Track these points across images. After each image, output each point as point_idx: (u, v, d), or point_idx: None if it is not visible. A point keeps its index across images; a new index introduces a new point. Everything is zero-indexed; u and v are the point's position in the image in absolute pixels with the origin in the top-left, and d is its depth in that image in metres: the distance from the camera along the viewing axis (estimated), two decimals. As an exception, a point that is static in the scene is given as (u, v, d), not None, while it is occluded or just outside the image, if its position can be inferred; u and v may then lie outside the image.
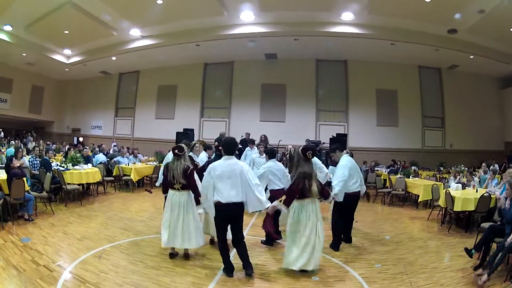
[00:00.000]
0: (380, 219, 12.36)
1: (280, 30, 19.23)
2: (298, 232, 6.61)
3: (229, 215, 6.46)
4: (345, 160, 8.35)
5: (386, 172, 18.05)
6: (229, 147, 6.66)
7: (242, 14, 18.71)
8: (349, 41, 19.82)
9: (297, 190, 6.59)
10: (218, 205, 6.41)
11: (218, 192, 6.39)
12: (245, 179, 6.38)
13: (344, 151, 8.93)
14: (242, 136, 18.68)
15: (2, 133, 25.92)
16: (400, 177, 15.17)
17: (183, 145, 7.39)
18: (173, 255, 7.40)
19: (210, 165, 6.65)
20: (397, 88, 23.15)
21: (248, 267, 6.50)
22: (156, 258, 7.43)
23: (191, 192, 7.18)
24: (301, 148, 6.87)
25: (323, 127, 22.83)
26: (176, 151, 7.16)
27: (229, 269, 6.57)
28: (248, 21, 19.19)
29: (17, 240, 8.16)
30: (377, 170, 19.19)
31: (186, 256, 7.37)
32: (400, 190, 14.63)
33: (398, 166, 18.83)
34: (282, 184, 8.44)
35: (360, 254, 7.93)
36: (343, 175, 7.95)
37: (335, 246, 8.08)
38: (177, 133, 19.25)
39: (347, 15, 17.84)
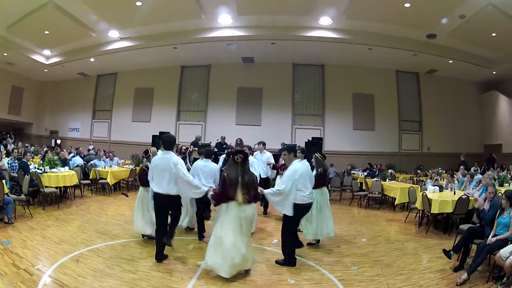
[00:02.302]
0: (357, 221, 12.44)
1: (257, 34, 19.26)
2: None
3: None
4: (295, 165, 7.53)
5: (363, 175, 18.24)
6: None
7: (220, 18, 18.72)
8: (327, 46, 19.91)
9: (222, 193, 6.78)
10: None
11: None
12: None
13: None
14: (217, 140, 18.80)
15: None
16: (376, 180, 15.32)
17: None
18: None
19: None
20: (374, 92, 23.36)
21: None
22: (133, 262, 7.43)
23: None
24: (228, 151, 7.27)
25: (299, 130, 22.92)
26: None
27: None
28: (225, 24, 19.22)
29: None
30: (354, 174, 19.32)
31: None
32: (377, 193, 14.77)
33: (375, 170, 18.97)
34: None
35: (336, 257, 7.98)
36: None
37: (290, 263, 7.42)
38: (153, 136, 19.33)
39: (325, 20, 17.91)
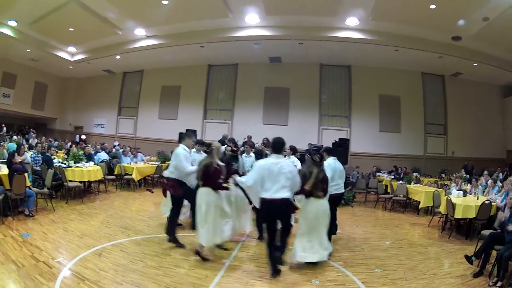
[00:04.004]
0: (381, 224, 12.33)
1: (284, 33, 19.14)
2: None
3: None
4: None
5: (388, 178, 18.00)
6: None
7: (247, 17, 18.66)
8: (353, 47, 19.72)
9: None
10: None
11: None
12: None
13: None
14: (244, 139, 18.61)
15: (5, 129, 25.88)
16: (401, 183, 15.11)
17: None
18: None
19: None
20: (400, 95, 23.04)
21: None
22: (156, 258, 7.42)
23: None
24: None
25: (326, 131, 22.69)
26: None
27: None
28: (253, 24, 19.15)
29: (17, 235, 8.17)
30: (379, 176, 19.11)
31: None
32: (402, 196, 14.59)
33: (400, 172, 18.77)
34: None
35: (360, 259, 7.90)
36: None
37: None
38: (180, 134, 19.05)
39: (352, 21, 17.77)
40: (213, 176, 7.16)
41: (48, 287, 5.68)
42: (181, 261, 7.31)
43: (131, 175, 15.93)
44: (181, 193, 8.17)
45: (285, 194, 6.62)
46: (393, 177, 18.05)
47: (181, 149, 8.22)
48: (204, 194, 7.13)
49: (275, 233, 6.78)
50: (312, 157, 7.52)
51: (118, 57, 25.26)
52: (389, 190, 15.87)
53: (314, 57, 22.38)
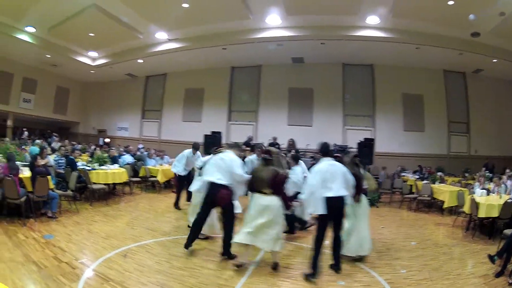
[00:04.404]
0: (406, 225, 12.32)
1: (306, 34, 19.08)
2: None
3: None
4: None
5: (413, 178, 17.83)
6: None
7: (268, 18, 18.66)
8: (375, 45, 19.61)
9: None
10: None
11: None
12: None
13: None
14: (269, 140, 18.81)
15: (26, 133, 26.13)
16: (426, 183, 15.05)
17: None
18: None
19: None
20: (423, 93, 22.74)
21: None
22: (182, 259, 7.45)
23: None
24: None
25: (350, 131, 22.52)
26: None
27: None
28: (274, 25, 19.15)
29: (39, 236, 8.20)
30: (404, 176, 18.96)
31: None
32: (426, 196, 14.49)
33: (425, 172, 18.59)
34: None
35: (386, 260, 7.89)
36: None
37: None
38: (205, 136, 19.28)
39: (373, 19, 17.66)
40: (283, 185, 7.04)
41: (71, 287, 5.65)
42: (207, 262, 7.31)
43: (156, 177, 16.07)
44: (232, 200, 7.70)
45: (345, 192, 6.85)
46: (418, 176, 17.88)
47: (234, 154, 7.81)
48: (275, 203, 6.87)
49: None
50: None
51: (140, 61, 25.40)
52: (413, 190, 15.74)
53: (336, 56, 22.22)
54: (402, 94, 22.89)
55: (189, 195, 11.66)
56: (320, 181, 6.80)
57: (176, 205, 12.48)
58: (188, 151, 12.84)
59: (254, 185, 7.08)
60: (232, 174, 7.40)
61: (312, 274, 6.51)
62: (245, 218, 7.09)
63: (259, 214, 6.80)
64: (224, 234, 7.47)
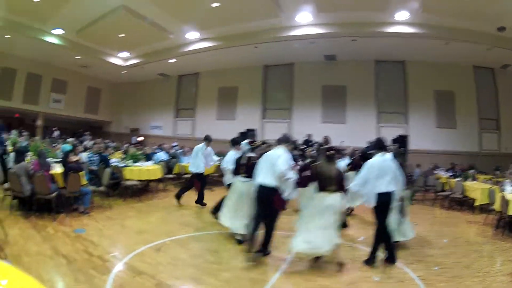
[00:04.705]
0: (438, 223, 12.32)
1: (337, 31, 19.02)
2: None
3: None
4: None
5: (446, 175, 17.64)
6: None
7: (299, 16, 18.64)
8: (405, 41, 19.40)
9: None
10: None
11: None
12: None
13: None
14: (304, 137, 18.78)
15: (57, 132, 26.48)
16: (458, 181, 14.94)
17: None
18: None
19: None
20: (454, 89, 22.37)
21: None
22: (216, 254, 7.56)
23: None
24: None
25: (384, 129, 22.11)
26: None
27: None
28: (305, 22, 19.09)
29: (70, 231, 8.28)
30: (436, 173, 18.64)
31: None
32: (459, 193, 14.35)
33: (457, 170, 18.26)
34: None
35: (419, 256, 7.84)
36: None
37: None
38: (241, 133, 19.39)
39: (402, 14, 17.48)
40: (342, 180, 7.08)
41: (101, 280, 5.75)
42: (241, 257, 7.30)
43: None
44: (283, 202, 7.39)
45: (394, 188, 7.11)
46: (450, 174, 17.68)
47: (282, 150, 7.33)
48: (338, 201, 6.88)
49: None
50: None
51: (172, 60, 25.62)
52: (446, 187, 15.67)
53: (368, 53, 22.11)
54: (434, 90, 22.56)
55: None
56: (373, 176, 7.05)
57: (201, 202, 12.39)
58: (199, 146, 12.64)
59: (320, 184, 6.92)
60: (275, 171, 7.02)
61: (392, 260, 6.97)
62: (302, 218, 7.11)
63: (319, 214, 6.79)
64: (265, 233, 7.27)
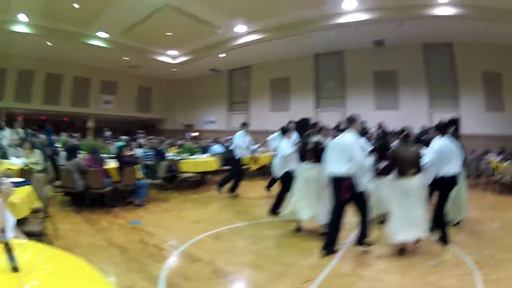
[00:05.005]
0: (490, 207, 12.04)
1: (382, 15, 18.78)
2: None
3: None
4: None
5: (496, 160, 17.18)
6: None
7: (344, 3, 18.55)
8: (449, 23, 18.87)
9: None
10: None
11: None
12: None
13: None
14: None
15: (110, 132, 26.95)
16: (508, 164, 14.75)
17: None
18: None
19: None
20: (501, 71, 21.50)
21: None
22: (275, 240, 7.67)
23: None
24: None
25: (436, 113, 21.52)
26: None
27: None
28: (350, 9, 18.97)
29: (125, 223, 8.52)
30: (488, 158, 18.18)
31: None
32: (509, 177, 14.13)
33: (508, 153, 17.80)
34: None
35: (471, 241, 7.80)
36: None
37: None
38: (296, 123, 19.02)
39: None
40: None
41: (156, 268, 5.89)
42: (301, 242, 7.46)
43: (247, 165, 16.06)
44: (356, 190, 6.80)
45: (459, 170, 7.45)
46: (501, 158, 17.24)
47: (351, 135, 6.87)
48: (419, 183, 6.85)
49: None
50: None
51: (222, 55, 25.88)
52: (496, 172, 15.43)
53: (416, 37, 21.65)
54: (482, 72, 21.84)
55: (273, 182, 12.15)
56: (441, 159, 7.23)
57: (233, 191, 12.36)
58: (239, 133, 12.55)
59: (401, 169, 6.84)
60: (350, 160, 6.60)
61: (446, 241, 7.15)
62: (392, 208, 6.96)
63: (405, 199, 6.74)
64: (360, 226, 6.96)
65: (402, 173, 6.75)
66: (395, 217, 6.75)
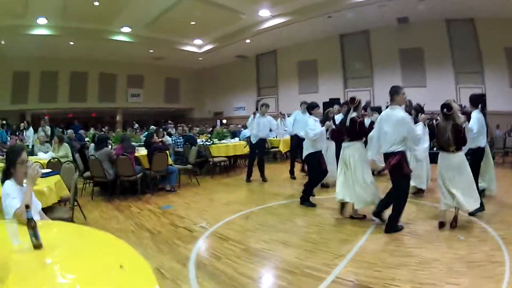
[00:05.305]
0: None
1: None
2: None
3: None
4: None
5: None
6: None
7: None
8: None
9: None
10: None
11: None
12: None
13: None
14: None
15: (136, 125, 27.16)
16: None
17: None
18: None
19: None
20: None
21: None
22: (306, 218, 7.71)
23: None
24: None
25: (463, 90, 21.20)
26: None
27: None
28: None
29: (155, 208, 8.61)
30: (513, 136, 18.12)
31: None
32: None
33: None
34: None
35: (500, 217, 7.65)
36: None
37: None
38: (323, 103, 18.82)
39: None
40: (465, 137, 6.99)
41: (186, 249, 5.98)
42: (332, 220, 7.50)
43: (277, 148, 16.36)
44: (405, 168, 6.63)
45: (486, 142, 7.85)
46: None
47: (401, 111, 6.80)
48: (461, 159, 6.83)
49: None
50: None
51: (247, 41, 25.81)
52: None
53: (438, 13, 21.11)
54: (505, 48, 21.06)
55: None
56: (479, 131, 7.48)
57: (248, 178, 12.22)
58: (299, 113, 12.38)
59: (440, 144, 6.89)
60: (404, 136, 6.47)
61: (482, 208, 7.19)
62: (440, 180, 6.92)
63: (449, 176, 6.75)
64: (392, 208, 6.74)
65: (442, 149, 6.80)
66: (442, 189, 6.81)
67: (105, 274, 2.22)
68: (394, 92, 6.87)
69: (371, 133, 7.16)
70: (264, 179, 12.08)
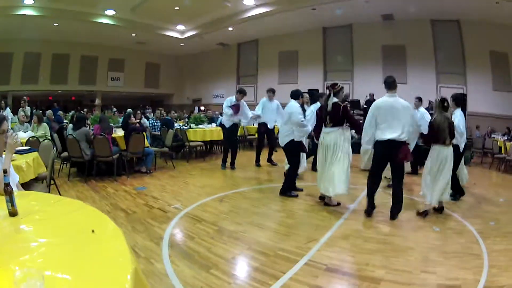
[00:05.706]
0: (495, 184, 12.33)
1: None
2: None
3: None
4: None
5: (502, 139, 17.09)
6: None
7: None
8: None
9: None
10: None
11: None
12: None
13: None
14: (366, 97, 19.39)
15: (115, 109, 27.01)
16: (514, 144, 14.77)
17: None
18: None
19: None
20: (508, 51, 21.09)
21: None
22: (280, 202, 7.80)
23: None
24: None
25: (444, 89, 21.48)
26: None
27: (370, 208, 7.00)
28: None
29: (131, 189, 8.67)
30: (493, 137, 18.21)
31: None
32: (513, 157, 14.24)
33: (512, 134, 17.98)
34: None
35: (476, 212, 7.90)
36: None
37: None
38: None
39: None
40: None
41: (160, 229, 6.05)
42: (306, 205, 7.61)
43: (254, 135, 16.38)
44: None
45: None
46: (506, 138, 17.22)
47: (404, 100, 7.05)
48: (451, 152, 7.14)
49: None
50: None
51: (230, 29, 25.80)
52: (503, 151, 15.46)
53: (425, 12, 21.31)
54: (489, 51, 21.46)
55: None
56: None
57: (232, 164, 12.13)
58: (229, 99, 12.69)
59: (437, 137, 7.02)
60: (409, 125, 6.72)
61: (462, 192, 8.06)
62: (426, 173, 7.22)
63: (438, 167, 7.05)
64: (394, 196, 6.94)
65: (437, 141, 7.02)
66: (427, 181, 7.15)
67: (77, 237, 2.27)
68: (394, 81, 7.19)
69: (366, 123, 7.00)
70: (274, 163, 12.52)
